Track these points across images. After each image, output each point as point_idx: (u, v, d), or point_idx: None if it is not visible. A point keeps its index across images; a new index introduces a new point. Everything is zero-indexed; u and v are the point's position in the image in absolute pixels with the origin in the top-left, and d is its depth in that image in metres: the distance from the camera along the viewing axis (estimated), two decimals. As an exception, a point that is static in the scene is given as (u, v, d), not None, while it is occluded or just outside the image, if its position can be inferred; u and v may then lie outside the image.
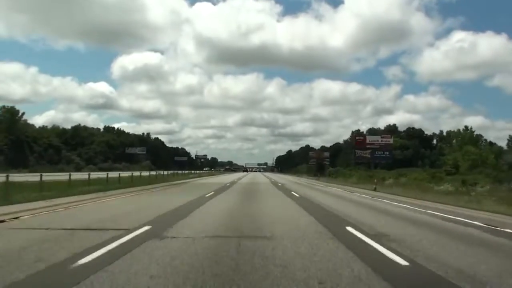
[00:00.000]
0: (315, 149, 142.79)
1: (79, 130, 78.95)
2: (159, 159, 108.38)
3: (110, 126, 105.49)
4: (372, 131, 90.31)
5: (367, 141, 61.29)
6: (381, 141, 60.91)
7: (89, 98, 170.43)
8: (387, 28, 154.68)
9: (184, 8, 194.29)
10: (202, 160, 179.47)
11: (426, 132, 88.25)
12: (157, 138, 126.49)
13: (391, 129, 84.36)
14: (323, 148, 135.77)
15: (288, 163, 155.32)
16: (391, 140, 61.57)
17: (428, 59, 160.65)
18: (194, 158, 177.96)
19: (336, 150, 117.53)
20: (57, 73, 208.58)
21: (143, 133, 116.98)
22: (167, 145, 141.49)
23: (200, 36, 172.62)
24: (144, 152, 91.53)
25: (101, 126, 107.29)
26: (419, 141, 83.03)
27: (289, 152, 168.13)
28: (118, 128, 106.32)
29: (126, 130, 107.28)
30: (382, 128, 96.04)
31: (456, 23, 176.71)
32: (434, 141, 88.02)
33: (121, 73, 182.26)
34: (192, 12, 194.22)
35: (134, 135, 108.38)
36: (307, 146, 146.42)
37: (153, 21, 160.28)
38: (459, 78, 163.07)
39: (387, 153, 60.90)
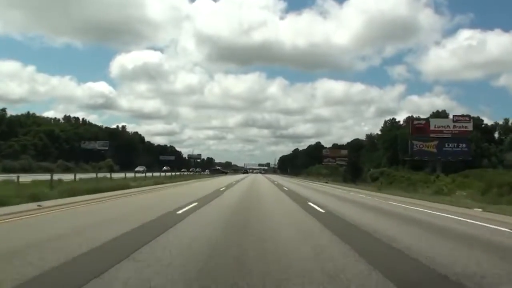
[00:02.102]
0: (324, 147, 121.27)
1: (4, 118, 56.60)
2: (135, 157, 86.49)
3: (70, 115, 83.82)
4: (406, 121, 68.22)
5: (433, 128, 39.26)
6: (454, 127, 38.89)
7: (88, 98, 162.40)
8: (393, 25, 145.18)
9: (184, 5, 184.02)
10: (197, 160, 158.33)
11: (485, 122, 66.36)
12: (137, 132, 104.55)
13: (440, 117, 62.20)
14: (335, 146, 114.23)
15: (293, 163, 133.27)
16: (469, 126, 39.38)
17: (434, 57, 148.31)
18: (186, 158, 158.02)
19: (355, 148, 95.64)
20: (55, 72, 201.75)
21: (117, 126, 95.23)
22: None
23: (201, 34, 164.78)
24: (106, 148, 69.57)
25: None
26: (480, 133, 60.96)
27: (295, 151, 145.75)
28: (83, 118, 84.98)
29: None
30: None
31: (465, 20, 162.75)
32: (496, 134, 66.37)
33: (121, 72, 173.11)
34: (193, 8, 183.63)
35: (101, 128, 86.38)
36: (318, 143, 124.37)
37: (152, 17, 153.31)
38: (465, 78, 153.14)
39: (463, 145, 38.91)
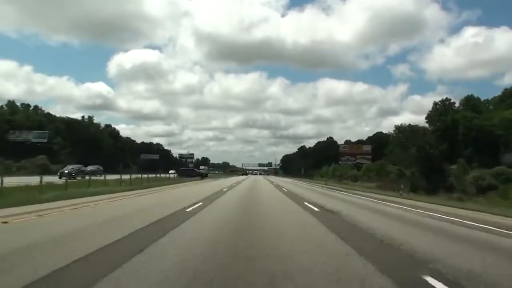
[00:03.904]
0: (337, 143, 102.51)
1: None
2: (102, 155, 67.97)
3: (15, 100, 64.80)
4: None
5: None
6: None
7: (86, 99, 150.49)
8: (398, 22, 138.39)
9: (183, 0, 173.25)
10: (190, 160, 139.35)
11: None
12: (110, 125, 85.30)
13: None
14: (347, 142, 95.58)
15: (299, 163, 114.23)
16: None
17: (438, 56, 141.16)
18: (177, 157, 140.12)
19: (378, 143, 76.88)
20: (52, 72, 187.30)
21: (83, 117, 75.99)
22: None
23: (200, 31, 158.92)
24: (44, 140, 50.36)
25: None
26: None
27: (301, 149, 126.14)
28: (35, 105, 65.95)
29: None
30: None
31: (471, 17, 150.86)
32: None
33: (119, 72, 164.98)
34: (192, 4, 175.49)
35: (55, 117, 66.82)
36: (329, 139, 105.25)
37: (150, 14, 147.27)
38: (470, 76, 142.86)
39: None
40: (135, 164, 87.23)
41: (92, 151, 66.19)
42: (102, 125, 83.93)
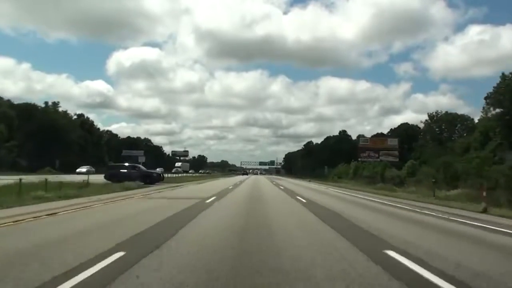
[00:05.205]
0: (351, 138, 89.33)
1: None
2: (66, 149, 55.11)
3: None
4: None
5: None
6: None
7: (86, 97, 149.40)
8: (402, 19, 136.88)
9: None
10: (184, 158, 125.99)
11: None
12: (82, 114, 71.38)
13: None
14: (360, 136, 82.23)
15: (305, 161, 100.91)
16: None
17: (442, 54, 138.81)
18: (170, 155, 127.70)
19: (405, 136, 63.55)
20: (51, 69, 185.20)
21: (46, 103, 62.36)
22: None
23: (201, 28, 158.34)
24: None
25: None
26: None
27: (308, 145, 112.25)
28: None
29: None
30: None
31: (478, 14, 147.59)
32: None
33: (118, 70, 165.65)
34: (192, 1, 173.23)
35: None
36: (342, 132, 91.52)
37: (149, 10, 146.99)
38: (473, 75, 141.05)
39: None
40: (112, 161, 73.95)
41: (52, 143, 52.92)
42: (73, 115, 70.46)
